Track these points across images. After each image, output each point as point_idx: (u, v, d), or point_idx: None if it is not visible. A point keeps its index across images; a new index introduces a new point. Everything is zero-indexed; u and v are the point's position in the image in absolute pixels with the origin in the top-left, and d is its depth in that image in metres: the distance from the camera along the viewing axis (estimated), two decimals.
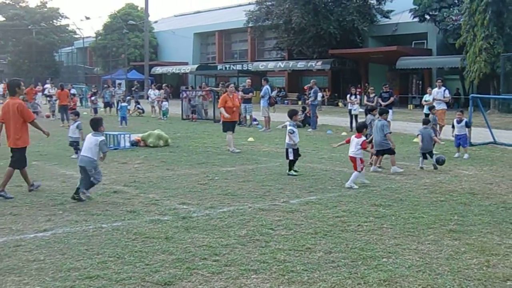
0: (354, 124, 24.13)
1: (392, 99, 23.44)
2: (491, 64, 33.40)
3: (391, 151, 12.99)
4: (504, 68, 29.55)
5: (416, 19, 43.56)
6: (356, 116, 24.33)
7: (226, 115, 16.41)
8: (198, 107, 30.77)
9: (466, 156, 15.40)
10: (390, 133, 13.14)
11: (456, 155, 15.67)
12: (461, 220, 8.22)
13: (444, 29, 41.67)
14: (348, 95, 25.39)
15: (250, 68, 53.60)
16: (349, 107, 24.85)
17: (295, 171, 12.28)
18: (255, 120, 26.72)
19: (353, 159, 11.18)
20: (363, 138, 11.30)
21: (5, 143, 10.22)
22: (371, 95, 23.98)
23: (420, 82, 45.17)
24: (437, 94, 20.95)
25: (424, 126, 13.98)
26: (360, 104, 25.96)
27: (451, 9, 41.12)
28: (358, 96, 25.44)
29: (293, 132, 12.24)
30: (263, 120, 24.89)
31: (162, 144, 17.69)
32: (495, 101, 32.23)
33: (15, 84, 10.05)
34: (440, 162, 13.15)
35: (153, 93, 34.07)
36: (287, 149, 12.38)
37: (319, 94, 26.67)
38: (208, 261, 6.16)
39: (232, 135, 16.59)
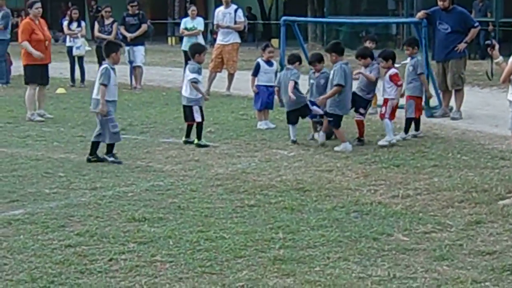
0: (78, 73, 24.22)
1: (144, 26, 23.80)
2: None
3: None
4: None
5: None
6: (81, 58, 24.51)
7: (36, 53, 17.00)
8: None
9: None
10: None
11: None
12: (291, 239, 8.33)
13: None
14: (65, 22, 25.50)
15: None
16: (68, 43, 25.05)
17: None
18: None
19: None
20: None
21: None
22: (107, 21, 24.24)
23: None
24: (223, 17, 21.37)
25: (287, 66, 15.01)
26: (87, 38, 25.97)
27: None
28: (82, 23, 25.60)
29: (198, 81, 13.89)
30: None
31: None
32: (317, 28, 33.88)
33: None
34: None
35: None
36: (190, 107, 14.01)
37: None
38: None
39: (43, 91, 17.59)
